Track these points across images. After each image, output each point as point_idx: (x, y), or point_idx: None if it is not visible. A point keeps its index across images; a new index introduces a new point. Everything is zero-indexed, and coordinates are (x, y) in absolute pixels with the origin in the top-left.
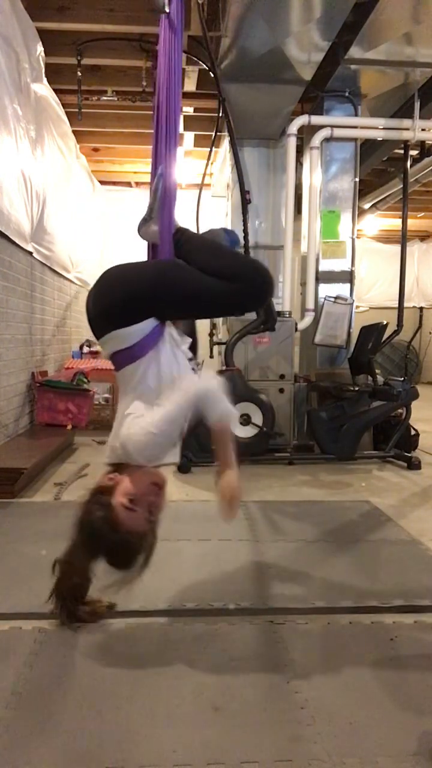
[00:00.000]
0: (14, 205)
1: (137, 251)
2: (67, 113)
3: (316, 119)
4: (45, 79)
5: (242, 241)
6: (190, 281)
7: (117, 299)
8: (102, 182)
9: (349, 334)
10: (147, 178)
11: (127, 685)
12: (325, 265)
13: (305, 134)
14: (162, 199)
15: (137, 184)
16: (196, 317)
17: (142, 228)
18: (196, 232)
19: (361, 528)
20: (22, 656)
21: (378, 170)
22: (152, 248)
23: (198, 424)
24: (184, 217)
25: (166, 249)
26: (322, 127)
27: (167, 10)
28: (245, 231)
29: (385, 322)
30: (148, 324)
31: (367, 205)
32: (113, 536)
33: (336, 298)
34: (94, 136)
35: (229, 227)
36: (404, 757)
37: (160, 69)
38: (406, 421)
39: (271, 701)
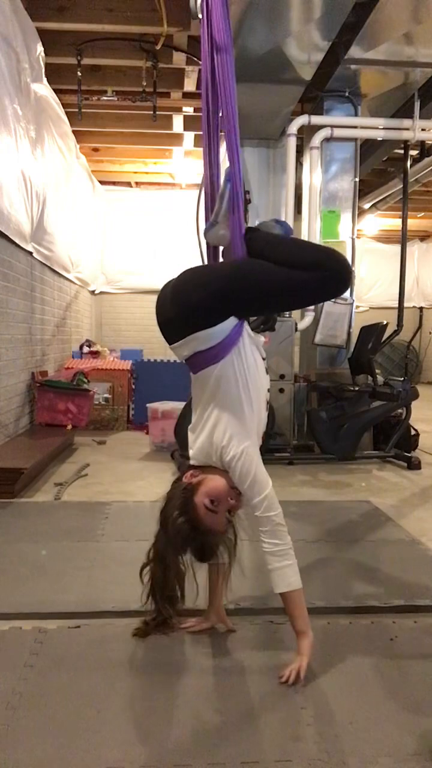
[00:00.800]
0: (14, 205)
1: (137, 251)
2: (67, 113)
3: (316, 119)
4: (45, 79)
5: (292, 232)
6: (272, 275)
7: (198, 300)
8: (102, 182)
9: (349, 334)
10: (146, 179)
11: (126, 685)
12: None
13: (305, 134)
14: (231, 202)
15: (137, 184)
16: (277, 311)
17: (209, 232)
18: (264, 230)
19: (361, 528)
20: (22, 656)
21: (378, 170)
22: (214, 251)
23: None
24: (184, 216)
25: (239, 249)
26: (322, 127)
27: (200, 16)
28: None
29: (385, 322)
30: (230, 323)
31: (367, 205)
32: (194, 535)
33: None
34: (94, 136)
35: (282, 218)
36: (404, 757)
37: (205, 69)
38: (406, 421)
39: (271, 701)
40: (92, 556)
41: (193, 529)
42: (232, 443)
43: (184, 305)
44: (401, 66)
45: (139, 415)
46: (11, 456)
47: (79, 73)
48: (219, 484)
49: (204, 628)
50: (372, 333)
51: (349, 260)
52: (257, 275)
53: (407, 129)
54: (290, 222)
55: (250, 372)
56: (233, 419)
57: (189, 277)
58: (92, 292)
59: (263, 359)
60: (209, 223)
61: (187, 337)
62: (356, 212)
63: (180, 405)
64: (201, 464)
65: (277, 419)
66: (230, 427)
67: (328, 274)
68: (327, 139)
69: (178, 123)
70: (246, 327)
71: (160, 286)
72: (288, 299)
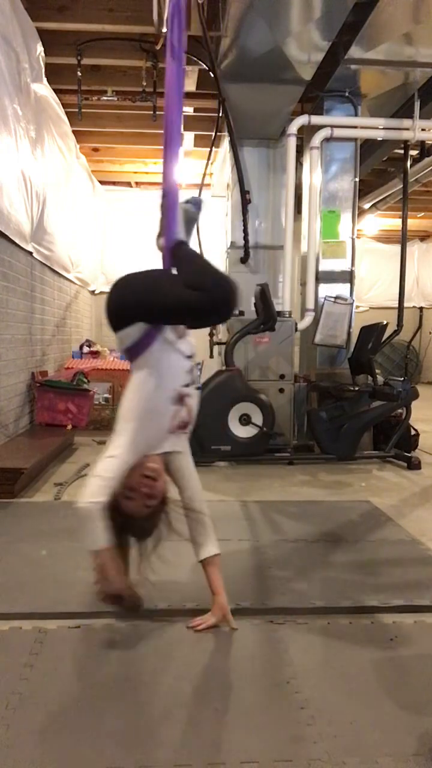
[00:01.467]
0: (14, 205)
1: (137, 251)
2: (67, 113)
3: (316, 119)
4: (45, 79)
5: (203, 202)
6: (167, 292)
7: (114, 305)
8: (102, 182)
9: (349, 334)
10: (146, 178)
11: (126, 685)
12: (325, 265)
13: (305, 134)
14: (166, 215)
15: (137, 184)
16: (177, 324)
17: (157, 242)
18: (189, 246)
19: (361, 528)
20: (22, 656)
21: (378, 170)
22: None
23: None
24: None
25: (166, 260)
26: (322, 127)
27: (163, 30)
28: (245, 231)
29: (385, 322)
30: (138, 327)
31: (367, 205)
32: (115, 516)
33: (336, 298)
34: (94, 136)
35: (198, 197)
36: (404, 757)
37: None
38: (406, 421)
39: (271, 701)
40: None
41: (113, 512)
42: (121, 429)
43: (109, 308)
44: (401, 66)
45: None
46: (11, 456)
47: (79, 73)
48: (131, 475)
49: (209, 625)
50: (372, 333)
51: (350, 260)
52: (156, 289)
53: (407, 129)
54: (290, 222)
55: (156, 371)
56: (131, 411)
57: (117, 283)
58: (92, 292)
59: (189, 357)
60: (158, 232)
61: (116, 335)
62: (356, 212)
63: None
64: None
65: (277, 419)
66: (124, 419)
67: (208, 299)
68: (327, 139)
69: None
70: (164, 330)
71: None
72: (176, 316)
